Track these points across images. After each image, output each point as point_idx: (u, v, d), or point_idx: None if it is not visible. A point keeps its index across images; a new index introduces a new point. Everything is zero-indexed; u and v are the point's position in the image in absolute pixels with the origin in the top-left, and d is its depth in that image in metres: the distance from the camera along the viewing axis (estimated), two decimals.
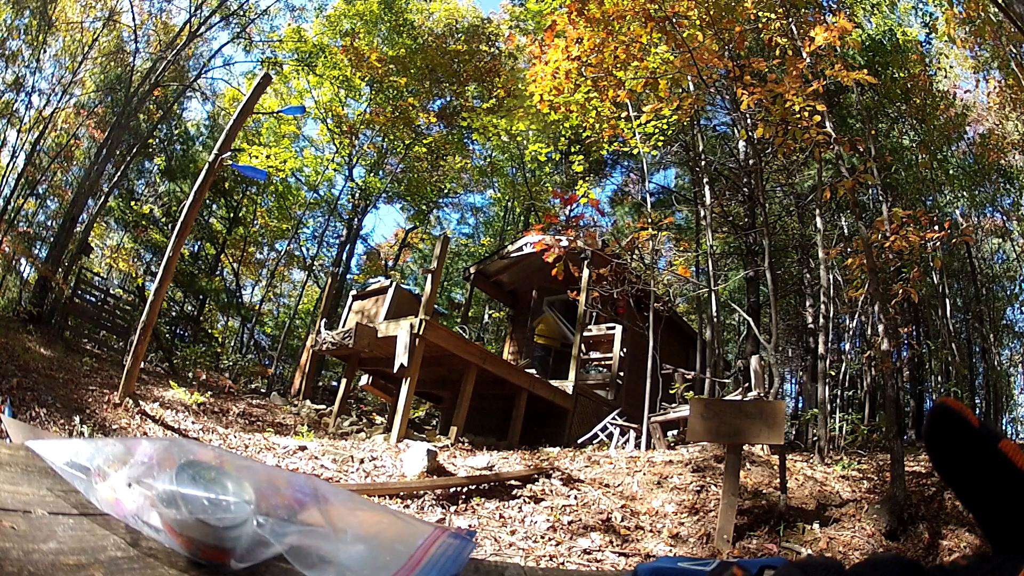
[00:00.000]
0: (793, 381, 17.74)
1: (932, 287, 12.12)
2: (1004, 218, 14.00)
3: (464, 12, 18.93)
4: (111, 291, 13.83)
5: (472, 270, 11.56)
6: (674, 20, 6.79)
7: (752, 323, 8.63)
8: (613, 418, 8.08)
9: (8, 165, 13.63)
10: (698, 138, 10.48)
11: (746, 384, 7.29)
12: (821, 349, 7.96)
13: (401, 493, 4.34)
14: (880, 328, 6.06)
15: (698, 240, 11.45)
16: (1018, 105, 11.78)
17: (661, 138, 9.17)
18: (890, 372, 5.74)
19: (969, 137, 13.41)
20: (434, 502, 4.35)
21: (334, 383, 15.81)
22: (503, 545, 3.73)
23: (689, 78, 7.85)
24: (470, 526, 4.01)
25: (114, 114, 14.29)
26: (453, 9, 18.81)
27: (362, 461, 5.28)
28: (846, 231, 10.76)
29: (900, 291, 6.57)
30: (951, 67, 13.40)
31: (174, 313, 17.99)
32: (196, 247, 18.97)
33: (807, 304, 12.92)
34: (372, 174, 18.81)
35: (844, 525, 4.40)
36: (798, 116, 6.17)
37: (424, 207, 21.35)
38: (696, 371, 8.74)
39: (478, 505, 4.44)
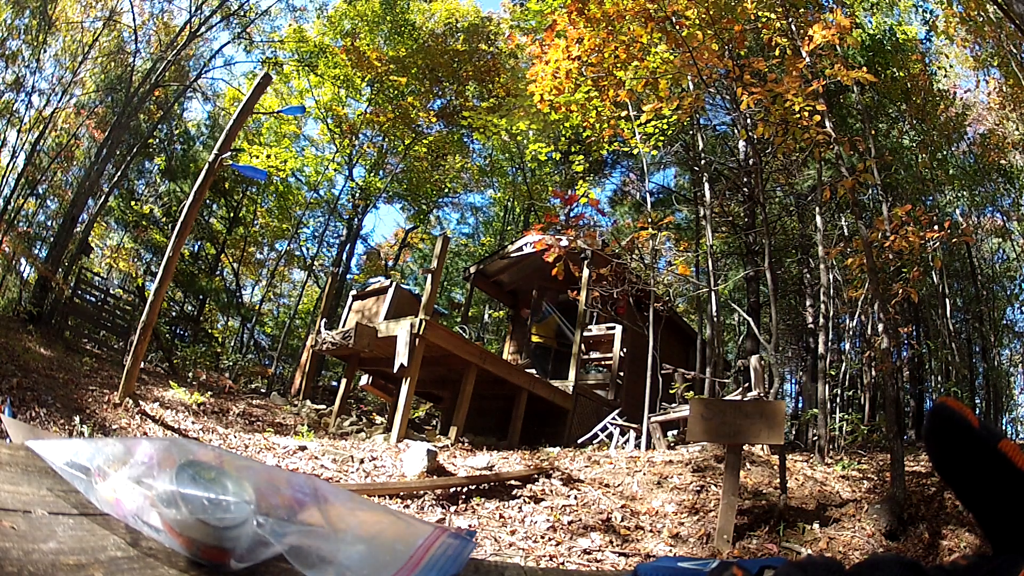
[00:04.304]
0: (793, 381, 17.75)
1: (932, 287, 12.12)
2: (1004, 218, 14.00)
3: (464, 11, 18.93)
4: (111, 291, 13.82)
5: (472, 270, 11.56)
6: (674, 20, 6.78)
7: (752, 323, 8.63)
8: (613, 418, 8.07)
9: (8, 165, 13.63)
10: (698, 138, 10.48)
11: (746, 384, 7.29)
12: (821, 349, 7.96)
13: (401, 493, 4.34)
14: (880, 328, 6.06)
15: (698, 240, 11.45)
16: (1018, 105, 11.77)
17: (661, 138, 9.16)
18: (890, 372, 5.73)
19: (969, 137, 13.40)
20: (434, 502, 4.35)
21: (334, 383, 15.82)
22: (503, 545, 3.73)
23: (689, 77, 7.85)
24: (470, 526, 4.01)
25: (114, 114, 14.29)
26: (453, 9, 18.81)
27: (362, 461, 5.27)
28: (846, 231, 10.76)
29: (900, 291, 6.56)
30: (951, 66, 13.40)
31: (174, 313, 18.00)
32: (196, 247, 18.98)
33: (807, 304, 12.93)
34: (372, 174, 18.81)
35: (844, 525, 4.40)
36: (798, 116, 6.17)
37: (424, 207, 21.35)
38: (696, 371, 8.74)
39: (478, 505, 4.44)
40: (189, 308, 19.01)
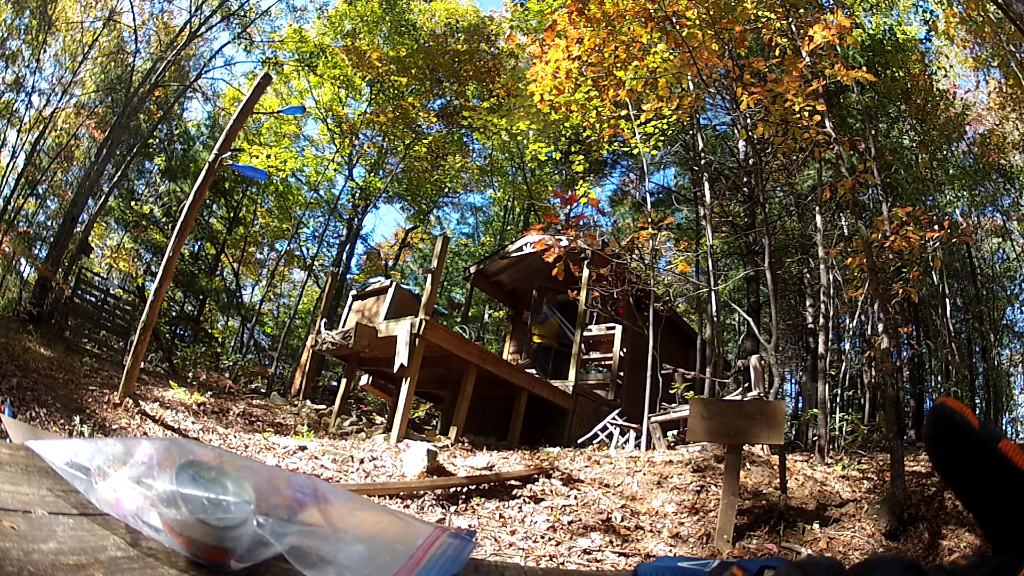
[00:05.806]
0: (793, 381, 17.76)
1: (932, 287, 12.12)
2: (1004, 218, 14.01)
3: (464, 11, 18.94)
4: (111, 291, 13.82)
5: (472, 270, 11.56)
6: (674, 20, 6.78)
7: (752, 323, 8.63)
8: (613, 418, 8.08)
9: (8, 165, 13.63)
10: (698, 138, 10.48)
11: (746, 384, 7.29)
12: (821, 349, 7.96)
13: (401, 493, 4.34)
14: (880, 328, 6.06)
15: (698, 240, 11.45)
16: (1018, 105, 11.78)
17: (661, 138, 9.16)
18: (890, 372, 5.73)
19: (969, 137, 13.41)
20: (434, 502, 4.35)
21: (334, 383, 15.82)
22: (503, 545, 3.73)
23: (689, 77, 7.85)
24: (470, 526, 4.01)
25: (114, 114, 14.30)
26: (454, 9, 18.82)
27: (362, 461, 5.27)
28: (846, 231, 10.76)
29: (900, 291, 6.57)
30: (951, 66, 13.41)
31: (174, 313, 17.99)
32: (196, 247, 18.98)
33: (807, 304, 12.93)
34: (372, 174, 18.81)
35: (844, 525, 4.40)
36: (798, 116, 6.17)
37: (424, 207, 21.35)
38: (696, 371, 8.74)
39: (478, 505, 4.44)
40: (189, 308, 19.01)
